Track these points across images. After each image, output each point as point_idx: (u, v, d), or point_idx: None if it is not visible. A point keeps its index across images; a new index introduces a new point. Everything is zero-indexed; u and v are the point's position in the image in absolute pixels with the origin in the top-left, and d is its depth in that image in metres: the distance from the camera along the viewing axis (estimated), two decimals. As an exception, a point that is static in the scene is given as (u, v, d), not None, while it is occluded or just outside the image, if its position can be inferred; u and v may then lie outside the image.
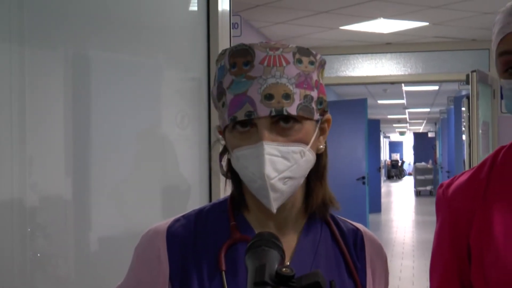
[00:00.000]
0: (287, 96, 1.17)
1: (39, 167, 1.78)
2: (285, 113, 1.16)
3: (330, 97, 12.57)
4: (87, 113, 1.95)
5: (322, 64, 1.30)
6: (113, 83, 2.05)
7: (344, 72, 8.83)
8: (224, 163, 1.31)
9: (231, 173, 1.29)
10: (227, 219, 1.28)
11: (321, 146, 1.27)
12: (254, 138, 1.16)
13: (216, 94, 1.25)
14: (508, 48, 1.33)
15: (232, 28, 2.61)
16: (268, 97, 1.16)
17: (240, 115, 1.16)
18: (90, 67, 1.99)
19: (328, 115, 1.30)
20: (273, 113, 1.16)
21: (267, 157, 1.14)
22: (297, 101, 1.18)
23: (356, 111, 11.29)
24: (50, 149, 1.82)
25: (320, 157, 1.28)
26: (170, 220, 1.29)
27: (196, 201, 2.33)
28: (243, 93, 1.17)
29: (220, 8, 2.41)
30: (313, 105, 1.22)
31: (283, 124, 1.17)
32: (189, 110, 2.44)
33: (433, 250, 1.53)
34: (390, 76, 8.81)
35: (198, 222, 1.28)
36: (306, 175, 1.23)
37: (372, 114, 17.78)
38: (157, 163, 2.31)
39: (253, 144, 1.16)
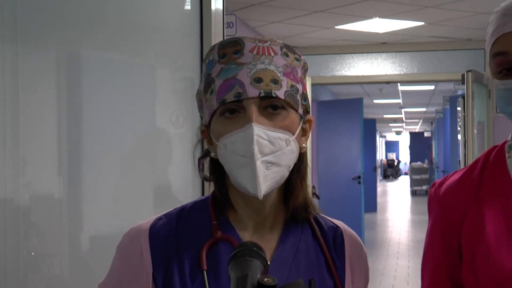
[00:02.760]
0: (276, 81, 1.19)
1: (32, 166, 1.78)
2: (273, 95, 1.18)
3: (326, 97, 12.57)
4: (80, 113, 1.95)
5: (306, 69, 1.32)
6: (106, 83, 2.05)
7: (339, 72, 8.83)
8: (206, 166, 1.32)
9: (215, 173, 1.29)
10: (208, 218, 1.28)
11: (304, 145, 1.28)
12: (242, 121, 1.17)
13: (203, 88, 1.26)
14: (503, 49, 1.34)
15: (227, 27, 2.61)
16: (258, 80, 1.18)
17: (230, 97, 1.18)
18: (84, 67, 1.99)
19: (310, 116, 1.31)
20: (262, 94, 1.17)
21: (255, 137, 1.15)
22: (284, 88, 1.20)
23: (352, 111, 11.29)
24: (43, 149, 1.82)
25: (302, 158, 1.29)
26: (152, 218, 1.29)
27: (189, 200, 2.32)
28: (233, 77, 1.19)
29: (213, 7, 2.41)
30: (298, 97, 1.24)
31: (270, 110, 1.19)
32: (184, 110, 2.44)
33: (424, 248, 1.54)
34: (386, 75, 8.81)
35: (180, 221, 1.28)
36: (290, 167, 1.23)
37: (368, 114, 17.78)
38: (152, 163, 2.31)
39: (241, 127, 1.17)
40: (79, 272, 1.92)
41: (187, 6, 2.47)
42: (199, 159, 1.32)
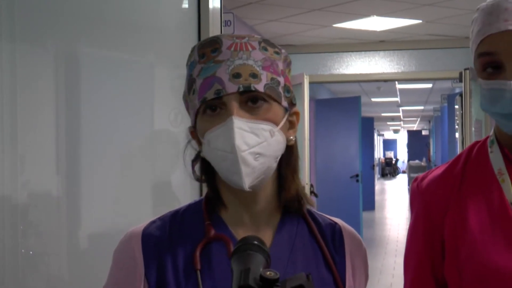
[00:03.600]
0: (254, 75, 1.20)
1: (31, 165, 1.78)
2: (252, 89, 1.18)
3: (323, 95, 12.58)
4: (78, 112, 1.95)
5: (289, 62, 1.32)
6: (104, 81, 2.05)
7: (337, 70, 8.83)
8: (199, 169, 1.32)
9: (205, 174, 1.30)
10: (202, 219, 1.28)
11: (292, 138, 1.28)
12: (224, 116, 1.18)
13: (187, 89, 1.28)
14: (489, 50, 1.34)
15: (225, 26, 2.61)
16: (236, 75, 1.19)
17: (210, 95, 1.18)
18: (82, 65, 1.99)
19: (296, 108, 1.32)
20: (241, 89, 1.18)
21: (236, 130, 1.15)
22: (264, 81, 1.21)
23: (350, 109, 11.30)
24: (41, 147, 1.82)
25: (292, 150, 1.29)
26: (146, 222, 1.30)
27: (188, 199, 2.32)
28: (212, 75, 1.20)
29: (211, 6, 2.41)
30: (280, 89, 1.24)
31: (251, 104, 1.19)
32: (182, 108, 2.43)
33: (406, 244, 1.54)
34: (384, 73, 8.82)
35: (173, 223, 1.28)
36: (277, 158, 1.24)
37: (365, 112, 17.80)
38: (149, 161, 2.31)
39: (223, 122, 1.17)
40: (78, 270, 1.92)
41: (185, 5, 2.47)
42: (192, 162, 1.33)
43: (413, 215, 1.52)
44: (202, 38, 2.41)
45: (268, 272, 0.98)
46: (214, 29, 2.42)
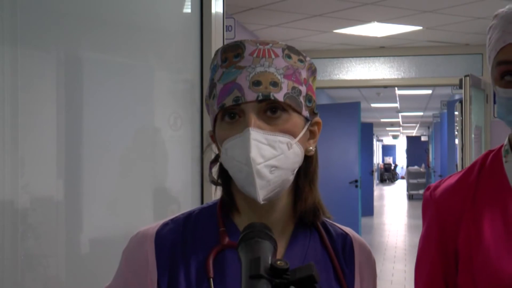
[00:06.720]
0: (275, 84, 1.18)
1: (31, 168, 1.77)
2: (272, 97, 1.16)
3: (323, 100, 12.58)
4: (79, 115, 1.95)
5: (313, 70, 1.30)
6: (106, 84, 2.05)
7: (337, 76, 8.84)
8: (215, 169, 1.31)
9: (222, 178, 1.28)
10: (216, 224, 1.26)
11: (311, 148, 1.27)
12: (242, 126, 1.16)
13: (208, 93, 1.26)
14: (507, 58, 1.33)
15: (226, 31, 2.61)
16: (256, 83, 1.17)
17: (229, 101, 1.17)
18: (83, 68, 1.99)
19: (318, 118, 1.30)
20: (260, 97, 1.16)
21: (253, 142, 1.13)
22: (284, 90, 1.19)
23: (349, 115, 11.29)
24: (42, 150, 1.82)
25: (310, 161, 1.28)
26: (159, 223, 1.28)
27: (188, 203, 2.33)
28: (232, 81, 1.18)
29: (213, 11, 2.41)
30: (301, 99, 1.23)
31: (270, 114, 1.17)
32: (182, 112, 2.44)
33: (418, 253, 1.53)
34: (384, 79, 8.82)
35: (187, 227, 1.26)
36: (294, 170, 1.22)
37: (365, 118, 17.81)
38: (149, 165, 2.31)
39: (241, 132, 1.16)
40: (77, 273, 1.92)
41: (188, 9, 2.48)
42: (210, 163, 1.31)
43: (426, 224, 1.51)
44: (205, 43, 2.42)
45: (279, 262, 0.97)
46: (216, 34, 2.42)
